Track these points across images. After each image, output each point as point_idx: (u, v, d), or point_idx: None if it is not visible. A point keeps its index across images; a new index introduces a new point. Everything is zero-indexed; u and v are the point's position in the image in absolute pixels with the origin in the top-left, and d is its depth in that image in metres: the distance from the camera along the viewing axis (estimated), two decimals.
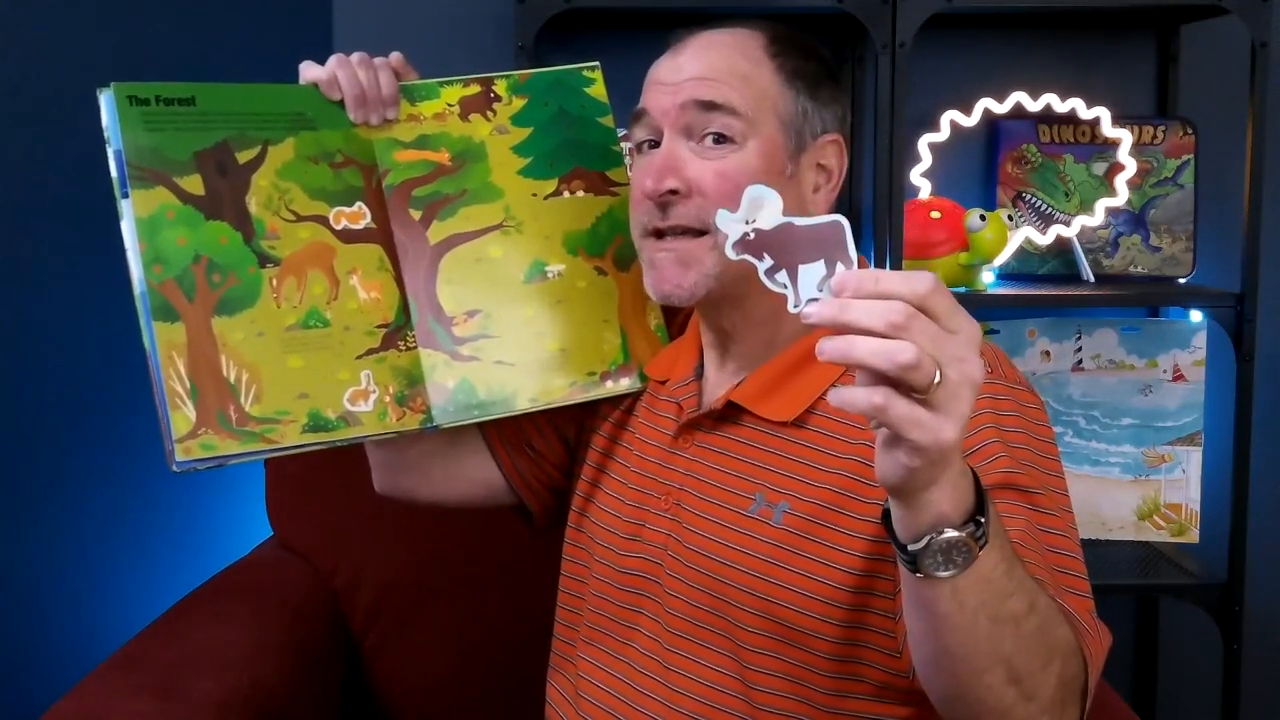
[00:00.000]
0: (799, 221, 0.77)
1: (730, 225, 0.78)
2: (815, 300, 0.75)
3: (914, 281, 0.71)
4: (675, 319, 1.25)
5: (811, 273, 0.76)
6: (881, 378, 0.69)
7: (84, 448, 2.15)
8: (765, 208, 0.78)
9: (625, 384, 1.19)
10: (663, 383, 1.17)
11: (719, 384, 1.13)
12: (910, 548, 0.77)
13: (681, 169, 1.06)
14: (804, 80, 1.10)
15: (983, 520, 0.77)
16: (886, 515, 0.80)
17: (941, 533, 0.76)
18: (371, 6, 1.93)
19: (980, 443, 0.97)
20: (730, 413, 1.09)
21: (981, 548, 0.77)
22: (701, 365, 1.16)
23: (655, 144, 1.10)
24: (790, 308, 0.76)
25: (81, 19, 2.11)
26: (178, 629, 1.41)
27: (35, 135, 2.10)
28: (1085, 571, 0.97)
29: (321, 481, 1.69)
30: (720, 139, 1.06)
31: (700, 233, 1.07)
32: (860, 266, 0.74)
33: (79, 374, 2.14)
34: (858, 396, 0.70)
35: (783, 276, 0.77)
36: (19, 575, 2.14)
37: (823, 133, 1.10)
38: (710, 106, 1.06)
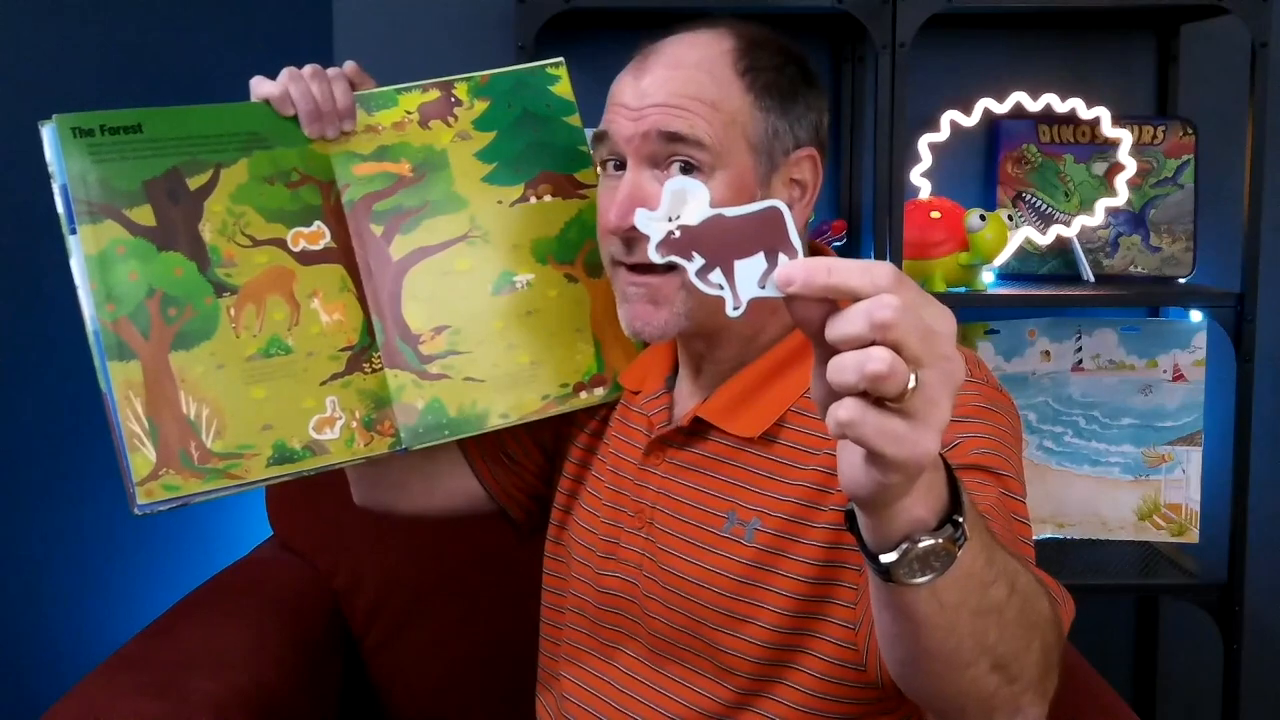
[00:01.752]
0: (730, 212, 0.67)
1: (651, 225, 0.68)
2: (759, 298, 0.67)
3: (873, 272, 0.61)
4: None
5: (750, 268, 0.67)
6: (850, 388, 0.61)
7: (84, 447, 2.15)
8: (690, 201, 0.68)
9: (600, 394, 1.16)
10: (636, 393, 1.15)
11: (689, 398, 1.10)
12: (883, 559, 0.69)
13: (645, 203, 0.99)
14: (775, 97, 1.03)
15: (961, 520, 0.69)
16: (851, 518, 0.72)
17: (917, 541, 0.68)
18: (371, 6, 1.93)
19: (957, 435, 0.96)
20: (698, 429, 1.07)
21: (961, 547, 0.69)
22: (673, 377, 1.14)
23: (619, 164, 1.05)
24: (729, 311, 0.67)
25: (81, 19, 2.11)
26: (178, 629, 1.41)
27: (34, 140, 2.10)
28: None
29: (321, 482, 1.68)
30: (687, 167, 1.01)
31: (669, 268, 1.00)
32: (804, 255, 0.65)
33: (79, 373, 2.14)
34: (830, 413, 0.62)
35: (716, 276, 0.68)
36: (19, 575, 2.14)
37: (796, 148, 1.04)
38: (675, 138, 1.00)
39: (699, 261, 0.68)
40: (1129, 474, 1.93)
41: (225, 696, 1.26)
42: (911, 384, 0.60)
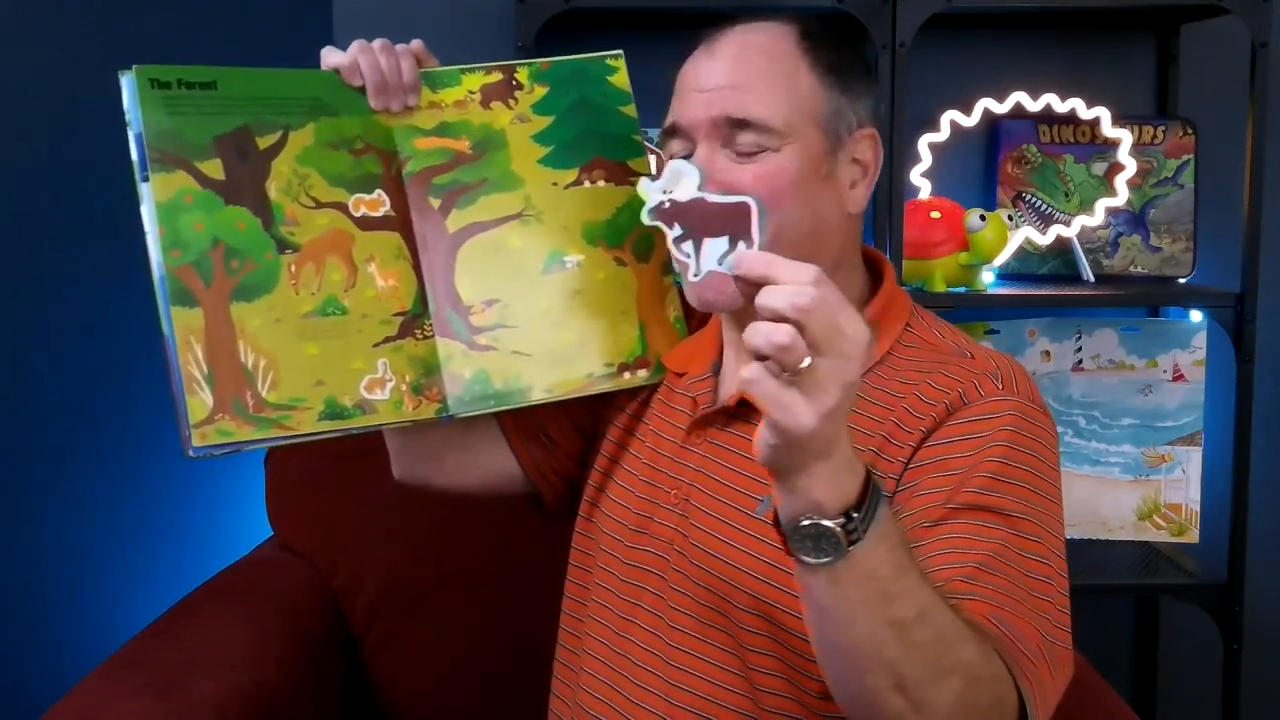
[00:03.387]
0: (711, 197, 0.83)
1: (650, 191, 0.85)
2: (714, 272, 0.82)
3: (800, 270, 0.76)
4: (696, 311, 1.23)
5: (715, 246, 0.82)
6: (761, 355, 0.75)
7: (84, 448, 2.15)
8: (683, 181, 0.84)
9: (642, 376, 1.18)
10: (680, 376, 1.17)
11: (735, 382, 1.12)
12: (783, 527, 0.81)
13: (719, 176, 1.03)
14: (838, 75, 1.07)
15: (856, 516, 0.79)
16: None
17: (810, 519, 0.79)
18: (371, 6, 1.94)
19: (973, 459, 0.97)
20: (743, 411, 1.08)
21: (854, 542, 0.79)
22: (719, 361, 1.15)
23: (690, 155, 1.07)
24: (690, 276, 0.83)
25: (81, 15, 2.11)
26: (178, 629, 1.41)
27: (33, 130, 2.10)
28: (1065, 604, 0.96)
29: (321, 481, 1.69)
30: (757, 144, 1.04)
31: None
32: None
33: (80, 374, 2.14)
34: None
35: (688, 246, 0.84)
36: (19, 575, 2.14)
37: (858, 127, 1.08)
38: (742, 124, 1.04)
39: (678, 230, 0.84)
40: (1129, 474, 1.93)
41: (225, 696, 1.26)
42: (806, 363, 0.74)
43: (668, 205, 0.85)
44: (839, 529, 0.79)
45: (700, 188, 0.84)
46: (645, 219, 0.84)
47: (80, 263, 2.12)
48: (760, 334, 0.75)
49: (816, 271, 0.75)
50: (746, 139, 1.04)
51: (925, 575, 0.85)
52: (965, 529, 0.94)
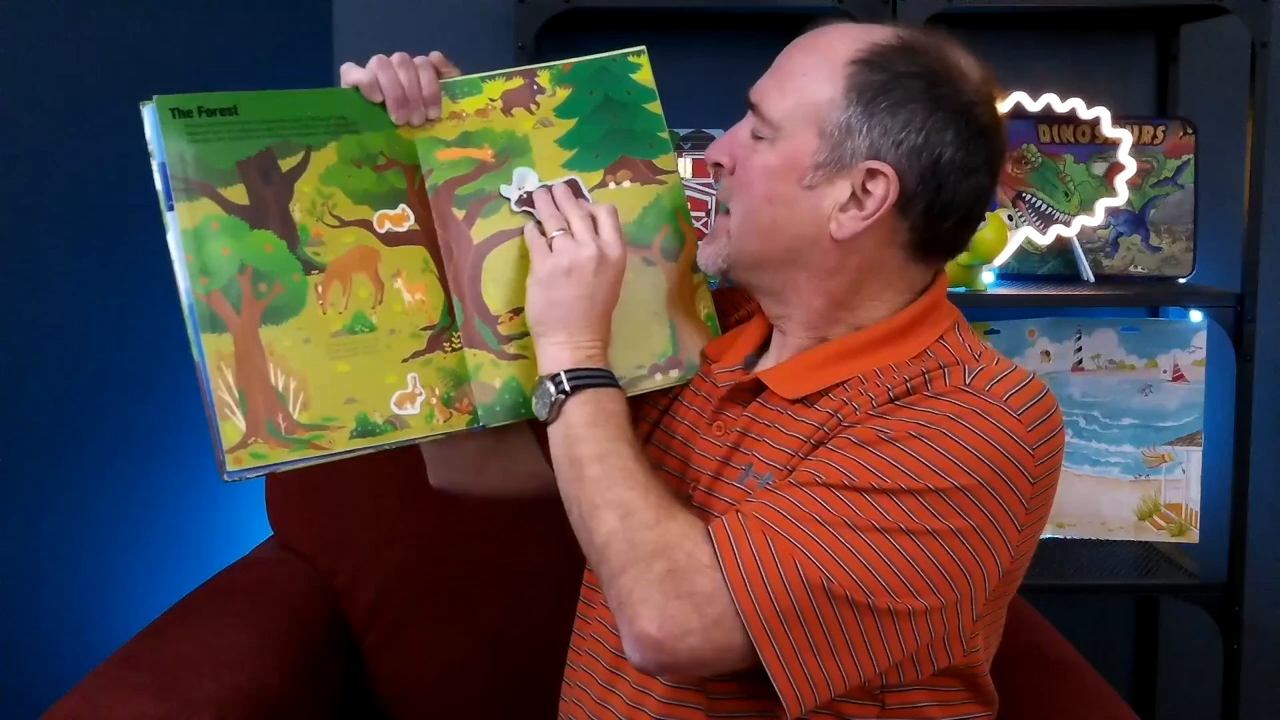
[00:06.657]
0: (553, 185, 1.14)
1: (509, 192, 1.13)
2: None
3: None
4: (745, 305, 1.23)
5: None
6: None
7: (85, 448, 2.15)
8: (528, 181, 1.14)
9: (675, 375, 1.18)
10: (712, 363, 1.17)
11: (763, 367, 1.13)
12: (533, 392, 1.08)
13: (732, 147, 1.09)
14: (867, 95, 1.02)
15: (568, 374, 1.05)
16: None
17: (542, 381, 1.06)
18: (371, 6, 1.93)
19: (876, 420, 0.99)
20: (756, 392, 1.10)
21: (560, 394, 1.04)
22: (755, 357, 1.15)
23: None
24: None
25: (80, 19, 2.11)
26: (178, 629, 1.41)
27: (34, 130, 2.10)
28: (896, 583, 0.94)
29: (321, 481, 1.69)
30: (758, 130, 1.07)
31: (730, 211, 1.10)
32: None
33: (80, 375, 2.14)
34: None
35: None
36: (19, 575, 2.14)
37: (871, 156, 1.02)
38: (753, 106, 1.08)
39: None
40: (1129, 474, 1.93)
41: (225, 696, 1.26)
42: (554, 235, 1.09)
43: (525, 196, 1.12)
44: (550, 382, 1.05)
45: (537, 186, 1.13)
46: (514, 209, 1.12)
47: (80, 263, 2.12)
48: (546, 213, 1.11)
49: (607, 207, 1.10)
50: (756, 123, 1.07)
51: (628, 445, 1.02)
52: (809, 464, 0.99)
